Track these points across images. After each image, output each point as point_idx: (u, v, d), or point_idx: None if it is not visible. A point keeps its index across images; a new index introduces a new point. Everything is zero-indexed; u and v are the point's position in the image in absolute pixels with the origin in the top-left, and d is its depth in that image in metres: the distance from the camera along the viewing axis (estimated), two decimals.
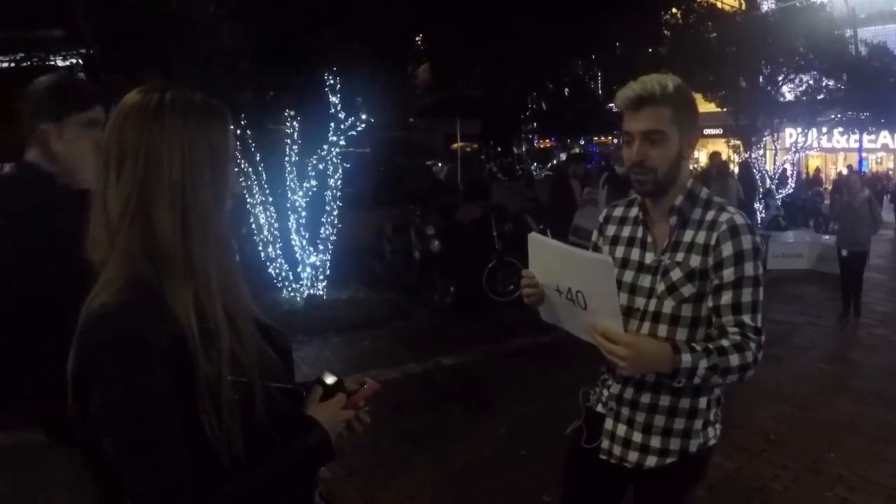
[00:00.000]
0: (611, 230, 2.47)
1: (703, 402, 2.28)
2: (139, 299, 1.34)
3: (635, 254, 2.34)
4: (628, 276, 2.31)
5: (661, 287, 2.22)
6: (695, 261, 2.17)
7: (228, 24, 9.20)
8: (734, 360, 2.02)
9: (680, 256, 2.20)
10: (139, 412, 1.28)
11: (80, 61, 13.80)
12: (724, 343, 2.05)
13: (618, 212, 2.50)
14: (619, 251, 2.38)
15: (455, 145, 22.19)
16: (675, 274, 2.19)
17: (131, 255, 1.37)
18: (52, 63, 14.80)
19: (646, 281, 2.27)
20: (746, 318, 2.10)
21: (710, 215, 2.21)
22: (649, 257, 2.29)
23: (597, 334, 1.97)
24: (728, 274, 2.11)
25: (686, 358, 1.97)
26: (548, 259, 2.25)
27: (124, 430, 1.28)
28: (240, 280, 1.55)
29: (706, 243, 2.16)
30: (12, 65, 14.64)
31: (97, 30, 10.69)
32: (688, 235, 2.21)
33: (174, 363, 1.32)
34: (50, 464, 2.63)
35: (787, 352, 7.53)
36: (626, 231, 2.41)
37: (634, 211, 2.40)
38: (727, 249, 2.12)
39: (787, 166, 18.65)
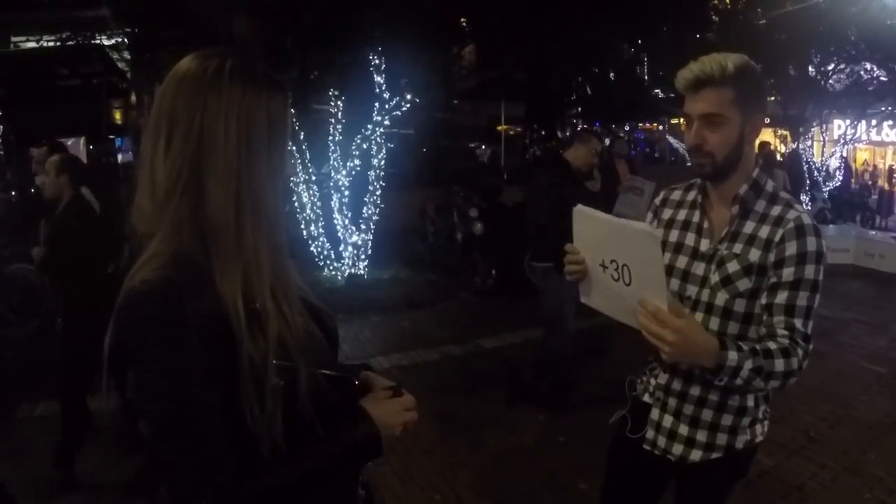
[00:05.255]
0: (667, 213, 2.41)
1: (751, 399, 2.24)
2: (183, 276, 1.28)
3: (690, 239, 2.28)
4: (682, 262, 2.25)
5: (715, 277, 2.16)
6: (754, 255, 2.10)
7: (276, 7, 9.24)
8: (779, 365, 1.95)
9: (738, 248, 2.14)
10: (177, 395, 1.22)
11: (126, 40, 13.91)
12: (772, 346, 1.98)
13: (676, 195, 2.44)
14: (674, 235, 2.32)
15: (500, 127, 22.15)
16: (732, 266, 2.13)
17: (180, 230, 1.32)
18: (98, 42, 14.96)
19: (699, 269, 2.22)
20: (798, 323, 2.03)
21: (775, 210, 2.14)
22: (705, 244, 2.23)
23: (643, 314, 1.87)
24: (788, 273, 2.04)
25: (732, 356, 1.89)
26: (593, 233, 2.15)
27: (161, 413, 1.22)
28: (289, 260, 1.48)
29: (769, 238, 2.09)
30: (58, 44, 14.80)
31: (142, 8, 10.79)
32: (749, 227, 2.15)
33: (217, 345, 1.26)
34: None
35: (830, 348, 7.42)
36: (682, 214, 2.35)
37: (693, 194, 2.34)
38: (791, 248, 2.05)
39: (833, 159, 18.30)
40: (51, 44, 15.20)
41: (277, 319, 1.36)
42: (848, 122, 18.41)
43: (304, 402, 1.36)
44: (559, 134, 25.51)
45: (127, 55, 14.73)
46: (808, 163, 16.99)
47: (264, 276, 1.37)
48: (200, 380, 1.25)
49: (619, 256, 2.00)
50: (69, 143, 14.34)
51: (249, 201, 1.35)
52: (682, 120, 2.45)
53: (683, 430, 2.29)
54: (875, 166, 25.70)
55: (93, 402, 5.17)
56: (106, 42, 14.97)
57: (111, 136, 16.83)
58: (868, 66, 17.15)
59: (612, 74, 25.64)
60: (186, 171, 1.31)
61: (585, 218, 2.18)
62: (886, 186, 21.99)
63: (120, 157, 16.53)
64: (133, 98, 15.61)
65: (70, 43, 14.58)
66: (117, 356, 1.27)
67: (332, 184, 9.82)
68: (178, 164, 1.31)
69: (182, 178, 1.31)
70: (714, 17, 19.51)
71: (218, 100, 1.32)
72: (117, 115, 18.11)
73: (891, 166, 23.91)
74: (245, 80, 1.36)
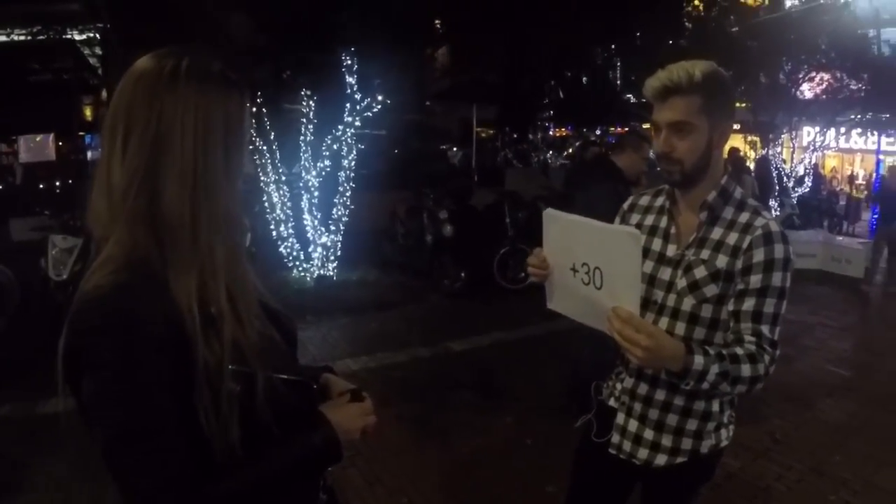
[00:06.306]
0: (635, 218, 2.42)
1: (716, 404, 2.24)
2: (137, 280, 1.27)
3: (657, 244, 2.28)
4: (647, 266, 2.25)
5: (682, 283, 2.17)
6: (721, 261, 2.11)
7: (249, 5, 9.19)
8: (746, 370, 1.95)
9: (706, 254, 2.14)
10: (132, 401, 1.22)
11: (97, 35, 13.79)
12: (738, 351, 1.98)
13: (644, 200, 2.44)
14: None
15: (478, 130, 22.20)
16: (699, 272, 2.13)
17: (135, 231, 1.30)
18: (69, 37, 14.80)
19: (665, 274, 2.22)
20: (765, 329, 2.04)
21: (743, 217, 2.14)
22: (671, 249, 2.24)
23: (616, 319, 1.86)
24: (755, 280, 2.05)
25: (698, 360, 1.89)
26: (564, 236, 2.14)
27: (117, 419, 1.21)
28: (246, 263, 1.47)
29: (737, 245, 2.09)
30: (29, 38, 14.63)
31: (116, 4, 10.69)
32: (716, 233, 2.15)
33: (172, 350, 1.25)
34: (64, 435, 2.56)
35: (796, 352, 7.50)
36: (650, 220, 2.35)
37: (661, 200, 2.35)
38: (759, 255, 2.05)
39: (801, 167, 18.54)
40: (22, 38, 15.01)
41: (233, 323, 1.35)
42: (817, 129, 18.63)
43: (262, 407, 1.35)
44: (531, 137, 25.58)
45: (99, 51, 14.59)
46: (777, 169, 17.16)
47: (220, 278, 1.36)
48: (156, 385, 1.24)
49: (592, 259, 1.99)
50: (38, 140, 14.19)
51: (205, 201, 1.34)
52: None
53: (649, 434, 2.29)
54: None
55: (49, 406, 5.12)
56: (77, 37, 14.82)
57: (81, 133, 16.67)
58: (838, 74, 17.37)
59: (584, 78, 25.77)
60: (142, 172, 1.30)
61: (558, 221, 2.17)
62: (847, 190, 22.34)
63: (90, 154, 16.38)
64: (104, 95, 15.49)
65: (41, 37, 14.41)
66: (71, 361, 1.25)
67: (302, 184, 9.78)
68: (135, 165, 1.30)
69: (137, 179, 1.30)
70: (687, 23, 19.68)
71: (174, 99, 1.31)
72: (88, 112, 17.96)
73: (851, 172, 24.31)
74: (201, 79, 1.35)
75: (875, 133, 21.80)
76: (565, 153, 28.35)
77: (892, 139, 23.75)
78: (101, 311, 1.23)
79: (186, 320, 1.27)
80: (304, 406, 1.50)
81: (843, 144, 22.30)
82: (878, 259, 11.37)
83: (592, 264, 1.99)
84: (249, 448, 1.34)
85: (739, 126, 18.66)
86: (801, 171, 18.47)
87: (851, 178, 26.09)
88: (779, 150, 17.97)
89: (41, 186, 14.53)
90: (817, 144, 18.49)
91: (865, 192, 22.66)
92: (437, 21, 16.97)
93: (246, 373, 1.34)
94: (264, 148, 9.36)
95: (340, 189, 9.93)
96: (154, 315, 1.25)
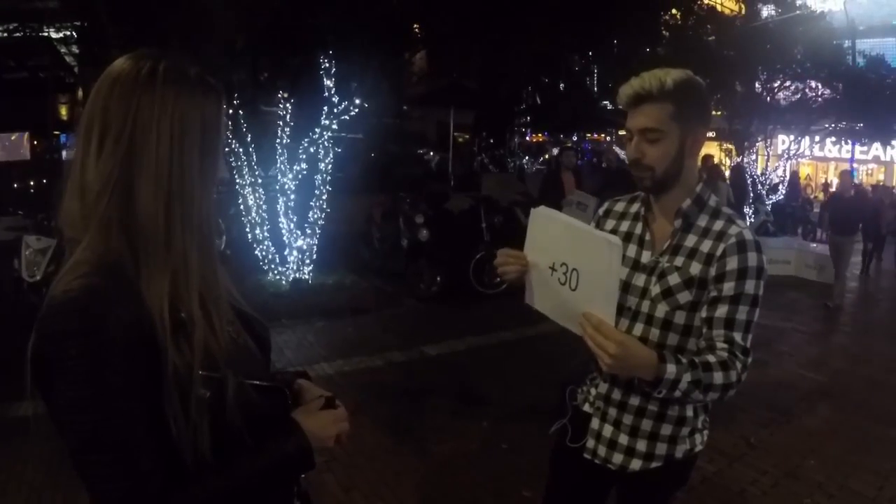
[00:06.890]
0: (609, 224, 2.41)
1: (690, 409, 2.24)
2: (108, 284, 1.24)
3: (631, 250, 2.27)
4: (622, 273, 2.22)
5: (655, 289, 2.16)
6: (695, 268, 2.10)
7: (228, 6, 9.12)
8: (718, 377, 1.95)
9: (680, 261, 2.14)
10: (101, 408, 1.19)
11: (75, 33, 13.66)
12: (711, 359, 1.98)
13: (619, 206, 2.44)
14: None
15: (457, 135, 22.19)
16: (673, 279, 2.13)
17: (108, 233, 1.28)
18: (46, 34, 14.65)
19: (640, 280, 2.21)
20: (737, 337, 2.04)
21: (717, 225, 2.14)
22: (646, 256, 2.23)
23: (587, 324, 1.86)
24: (728, 288, 2.05)
25: (671, 369, 1.89)
26: (548, 234, 2.12)
27: (86, 426, 1.19)
28: (220, 268, 1.45)
29: (710, 253, 2.09)
30: (5, 35, 14.47)
31: (95, 2, 10.59)
32: (690, 241, 2.15)
33: (141, 355, 1.23)
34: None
35: (770, 357, 7.55)
36: (625, 226, 2.35)
37: (636, 206, 2.34)
38: (732, 263, 2.05)
39: (774, 175, 18.73)
40: None
41: (204, 329, 1.33)
42: (792, 137, 18.82)
43: (233, 413, 1.33)
44: (507, 142, 25.61)
45: (75, 49, 14.46)
46: (751, 176, 17.31)
47: (193, 282, 1.34)
48: (125, 391, 1.21)
49: (571, 261, 1.98)
50: (13, 138, 14.03)
51: (180, 205, 1.32)
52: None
53: (623, 439, 2.28)
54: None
55: (21, 409, 5.04)
56: (54, 35, 14.68)
57: (56, 132, 16.53)
58: (813, 83, 17.57)
59: (561, 85, 25.84)
60: (117, 173, 1.28)
61: (544, 219, 2.16)
62: (821, 198, 22.59)
63: (65, 153, 16.23)
64: (80, 94, 15.35)
65: (17, 34, 14.25)
66: (40, 366, 1.22)
67: (278, 187, 9.73)
68: (109, 166, 1.28)
69: (112, 181, 1.28)
70: (665, 31, 19.78)
71: (151, 102, 1.30)
72: (63, 111, 17.83)
73: (825, 180, 24.60)
74: (179, 82, 1.34)
75: (849, 142, 22.09)
76: (542, 159, 28.46)
77: (865, 148, 24.09)
78: (71, 316, 1.20)
79: (157, 325, 1.25)
80: (277, 412, 1.48)
81: (817, 153, 22.59)
82: (842, 272, 11.09)
83: (571, 265, 1.98)
84: (220, 455, 1.32)
85: (715, 134, 18.83)
86: (774, 179, 18.65)
87: (825, 186, 26.42)
88: (754, 157, 18.13)
89: (15, 186, 14.37)
90: (792, 152, 18.67)
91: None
92: (415, 25, 16.94)
93: (216, 379, 1.32)
94: (240, 150, 9.31)
95: (317, 192, 9.90)
96: (124, 320, 1.22)
